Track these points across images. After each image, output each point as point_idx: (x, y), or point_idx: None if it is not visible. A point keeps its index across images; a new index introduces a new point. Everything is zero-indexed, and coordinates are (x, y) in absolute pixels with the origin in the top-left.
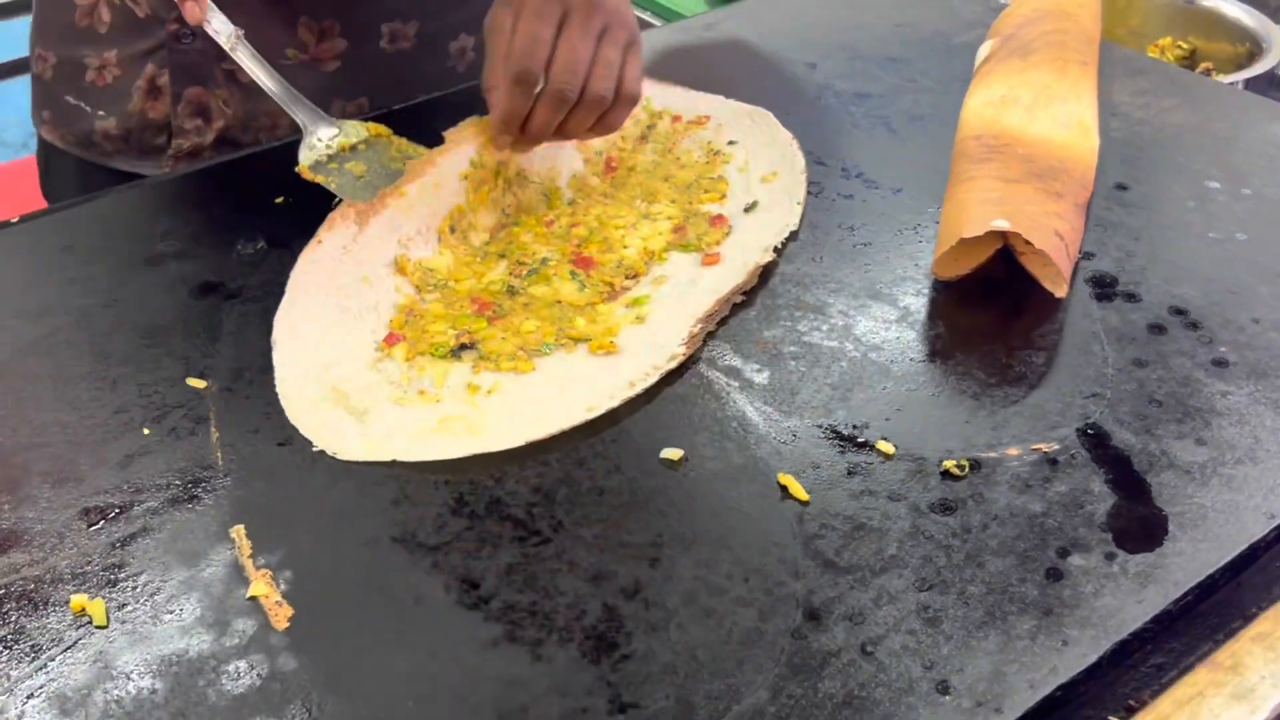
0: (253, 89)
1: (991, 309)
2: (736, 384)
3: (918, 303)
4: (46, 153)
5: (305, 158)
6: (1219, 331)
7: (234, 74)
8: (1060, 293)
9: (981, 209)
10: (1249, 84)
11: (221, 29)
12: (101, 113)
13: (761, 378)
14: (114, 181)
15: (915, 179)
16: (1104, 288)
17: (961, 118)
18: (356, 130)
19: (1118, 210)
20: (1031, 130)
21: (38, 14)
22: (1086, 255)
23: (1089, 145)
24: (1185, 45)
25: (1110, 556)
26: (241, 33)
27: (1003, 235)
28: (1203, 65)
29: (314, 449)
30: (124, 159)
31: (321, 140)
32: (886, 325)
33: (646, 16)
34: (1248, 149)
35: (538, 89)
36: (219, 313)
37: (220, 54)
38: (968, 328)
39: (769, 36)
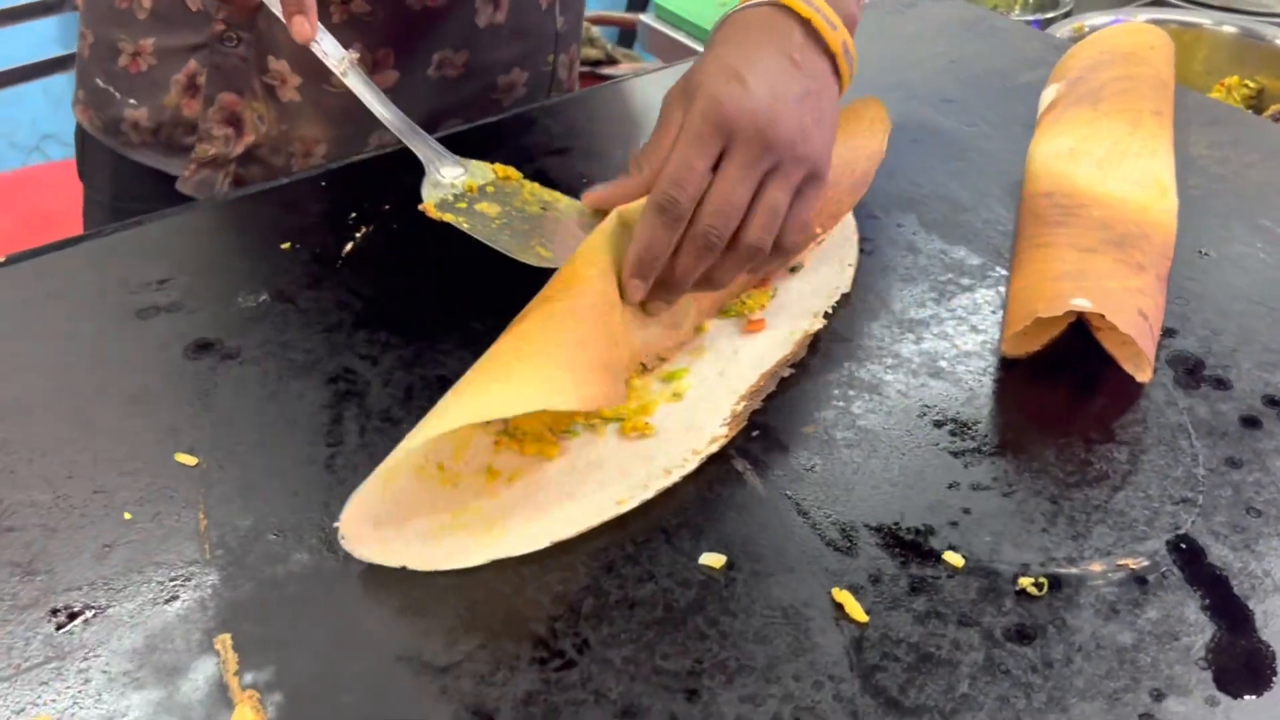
0: (291, 108)
1: (1066, 392)
2: (784, 474)
3: (984, 383)
4: (81, 136)
5: (430, 195)
6: None
7: (274, 90)
8: (1144, 377)
9: (1057, 284)
10: None
11: (332, 51)
12: (133, 101)
13: (812, 468)
14: (142, 176)
15: (979, 236)
16: (1189, 371)
17: (1028, 169)
18: (483, 171)
19: (1201, 280)
20: (1105, 189)
21: None
22: (1168, 332)
23: (1167, 207)
24: (1252, 84)
25: (1212, 701)
26: (356, 57)
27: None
28: (1273, 108)
29: (310, 541)
30: (150, 153)
31: (446, 178)
32: (950, 408)
33: (668, 30)
34: None
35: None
36: (214, 376)
37: (261, 64)
38: (1040, 414)
39: None
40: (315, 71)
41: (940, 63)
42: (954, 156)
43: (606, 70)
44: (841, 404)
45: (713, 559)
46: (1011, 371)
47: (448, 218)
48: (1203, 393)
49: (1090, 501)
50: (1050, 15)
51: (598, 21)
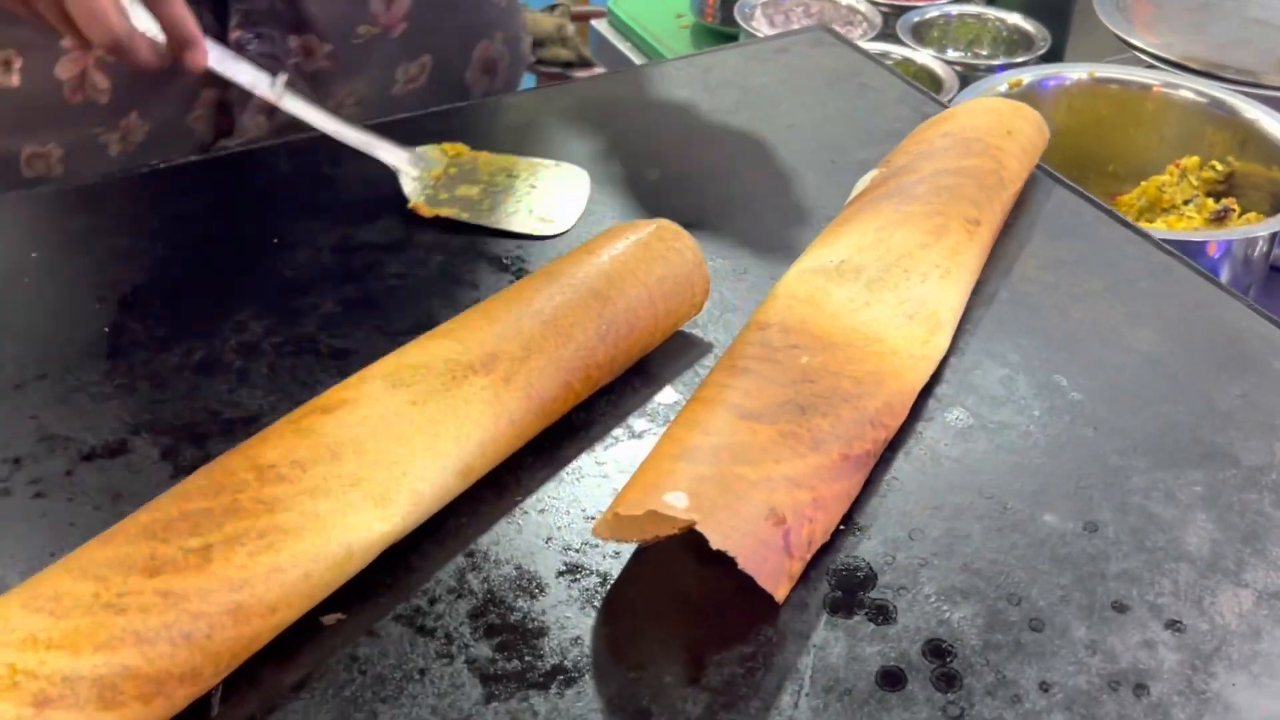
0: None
1: (682, 591)
2: None
3: (602, 565)
4: None
5: (416, 193)
6: (983, 696)
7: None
8: (776, 594)
9: (671, 466)
10: None
11: (253, 80)
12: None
13: None
14: None
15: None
16: (849, 591)
17: (775, 288)
18: (437, 156)
19: (933, 454)
20: (853, 321)
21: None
22: (856, 529)
23: (927, 353)
24: (1220, 167)
25: None
26: (285, 77)
27: None
28: (1224, 202)
29: None
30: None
31: (417, 174)
32: (515, 606)
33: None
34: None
35: None
36: None
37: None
38: (633, 627)
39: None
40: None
41: (778, 124)
42: (730, 249)
43: (579, 73)
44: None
45: None
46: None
47: (443, 212)
48: (852, 624)
49: None
50: (1021, 59)
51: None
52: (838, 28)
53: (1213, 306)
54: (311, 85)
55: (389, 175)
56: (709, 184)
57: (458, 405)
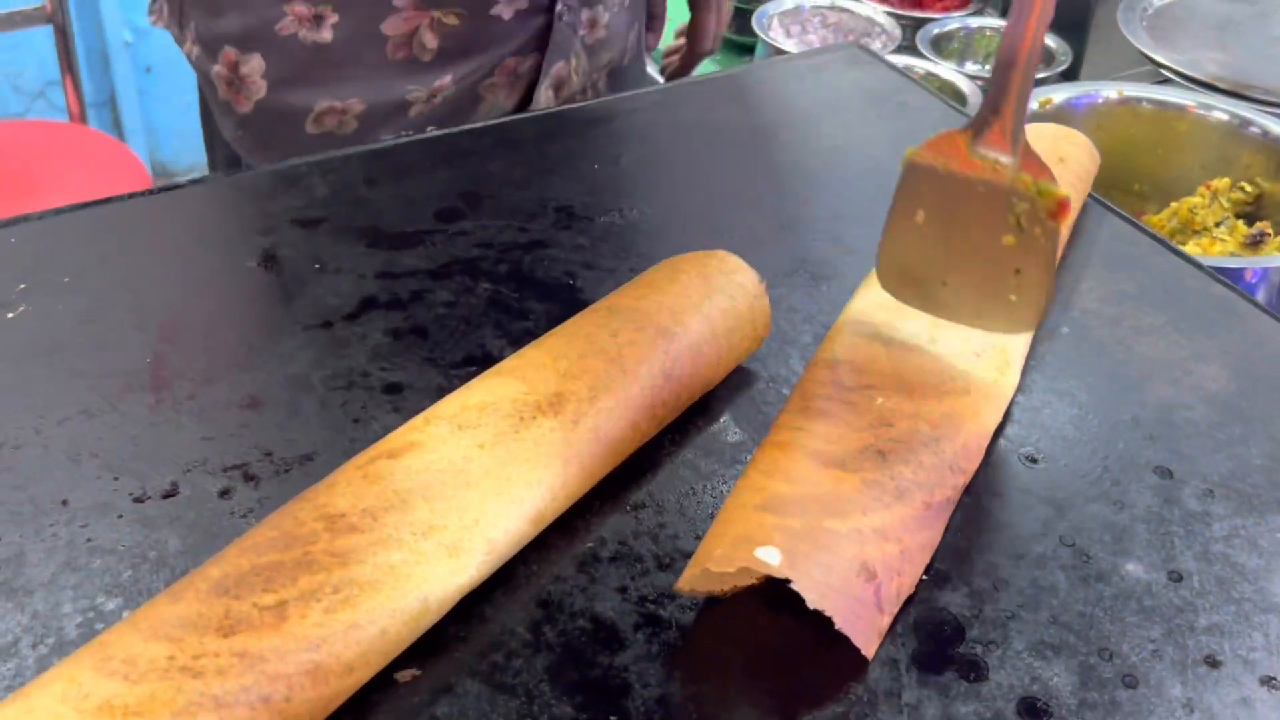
0: None
1: (758, 649)
2: None
3: (680, 617)
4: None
5: None
6: None
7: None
8: (865, 650)
9: (757, 518)
10: None
11: None
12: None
13: None
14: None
15: (754, 405)
16: (938, 645)
17: (837, 322)
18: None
19: (1013, 500)
20: (923, 359)
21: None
22: (938, 578)
23: (999, 390)
24: (1249, 189)
25: None
26: None
27: None
28: (1258, 226)
29: None
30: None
31: None
32: (624, 656)
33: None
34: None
35: None
36: None
37: None
38: (711, 681)
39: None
40: None
41: (821, 146)
42: (782, 278)
43: None
44: None
45: None
46: (711, 611)
47: None
48: (943, 682)
49: None
50: (1041, 75)
51: None
52: (856, 39)
53: (1274, 341)
54: (589, 56)
55: (429, 195)
56: (755, 210)
57: (527, 449)
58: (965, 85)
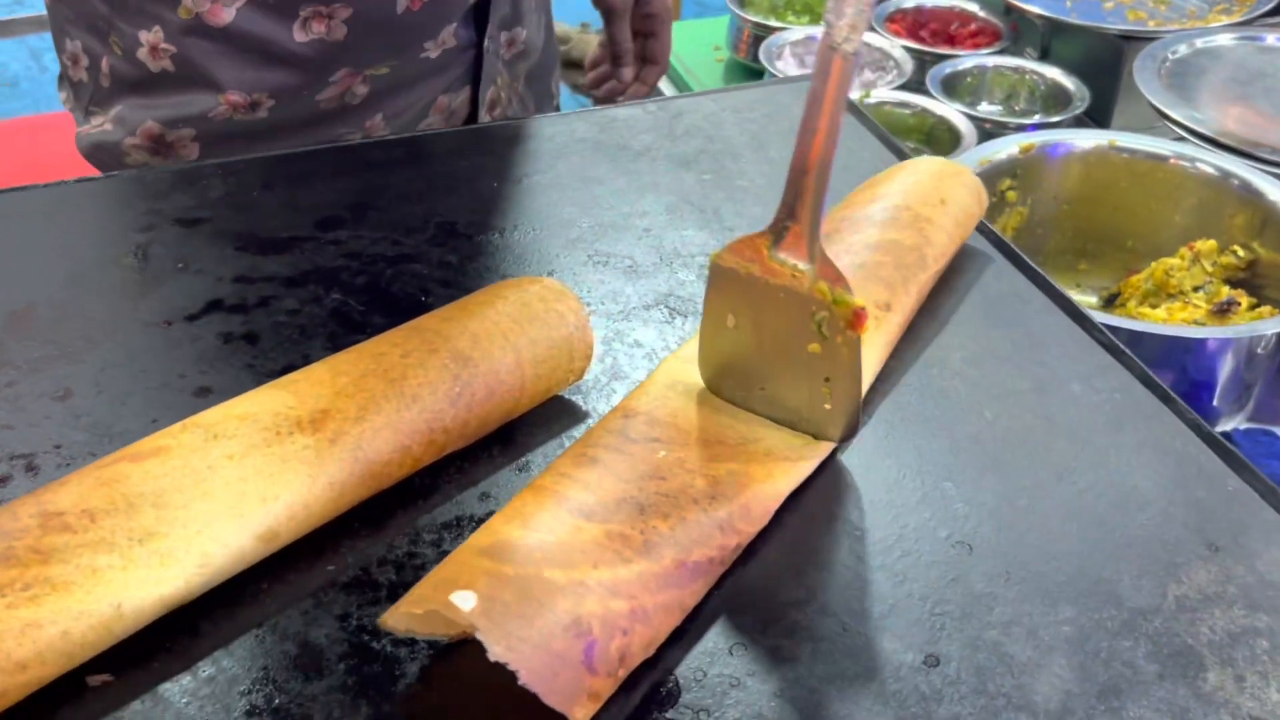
0: None
1: (484, 704)
2: None
3: (394, 652)
4: None
5: None
6: None
7: None
8: (566, 710)
9: (472, 563)
10: None
11: None
12: None
13: None
14: None
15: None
16: (644, 708)
17: (654, 372)
18: None
19: (793, 551)
20: (733, 418)
21: None
22: (674, 634)
23: (810, 452)
24: (1242, 254)
25: None
26: None
27: None
28: (1229, 294)
29: None
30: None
31: None
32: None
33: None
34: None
35: None
36: None
37: None
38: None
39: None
40: None
41: (733, 177)
42: (635, 311)
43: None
44: None
45: None
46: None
47: None
48: None
49: None
50: (1056, 119)
51: None
52: (868, 72)
53: (1151, 421)
54: (509, 70)
55: (318, 203)
56: (643, 239)
57: (273, 464)
58: (963, 125)
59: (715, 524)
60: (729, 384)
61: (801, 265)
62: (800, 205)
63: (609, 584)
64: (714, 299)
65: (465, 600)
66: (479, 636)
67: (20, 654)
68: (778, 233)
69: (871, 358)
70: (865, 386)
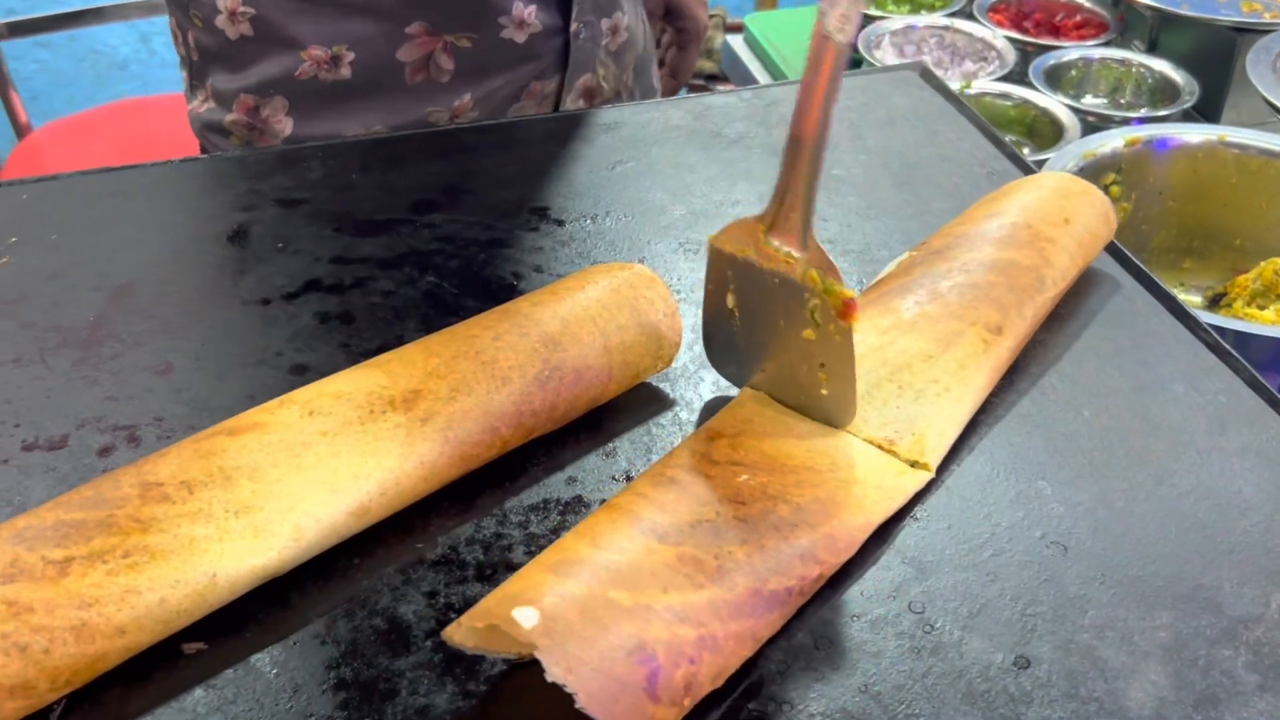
0: None
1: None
2: None
3: None
4: None
5: None
6: None
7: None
8: None
9: (540, 578)
10: None
11: None
12: None
13: None
14: None
15: None
16: (722, 692)
17: (743, 391)
18: None
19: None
20: (825, 444)
21: None
22: (769, 669)
23: (903, 482)
24: None
25: None
26: None
27: None
28: None
29: None
30: None
31: None
32: None
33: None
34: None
35: None
36: None
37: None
38: (500, 698)
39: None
40: None
41: (828, 170)
42: None
43: (719, 88)
44: None
45: None
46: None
47: None
48: None
49: None
50: (1164, 113)
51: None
52: (968, 63)
53: (1256, 425)
54: (616, 61)
55: (413, 186)
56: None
57: (365, 441)
58: (1066, 118)
59: (796, 553)
60: (732, 364)
61: (795, 252)
62: (793, 193)
63: (678, 609)
64: (713, 281)
65: (528, 617)
66: (538, 655)
67: (120, 619)
68: (772, 218)
69: (978, 382)
70: (968, 413)
